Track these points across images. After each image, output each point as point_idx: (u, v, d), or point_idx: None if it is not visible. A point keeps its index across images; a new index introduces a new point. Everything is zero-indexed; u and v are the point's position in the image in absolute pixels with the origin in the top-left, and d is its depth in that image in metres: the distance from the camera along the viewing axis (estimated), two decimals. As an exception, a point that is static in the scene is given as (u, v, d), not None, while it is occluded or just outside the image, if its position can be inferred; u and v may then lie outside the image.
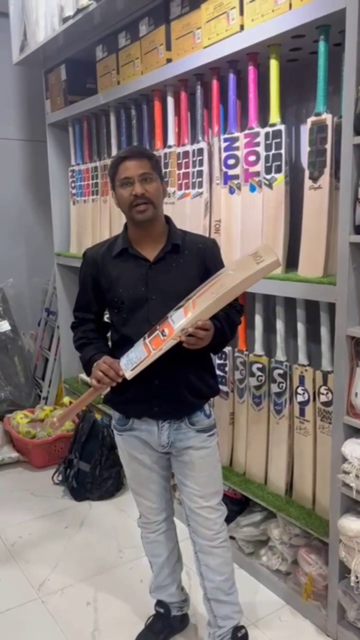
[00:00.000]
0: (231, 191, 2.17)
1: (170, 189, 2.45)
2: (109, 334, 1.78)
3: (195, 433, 1.67)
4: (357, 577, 1.72)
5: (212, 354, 1.73)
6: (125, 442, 1.74)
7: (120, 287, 1.63)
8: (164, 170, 2.48)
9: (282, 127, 1.95)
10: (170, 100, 2.43)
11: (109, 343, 1.75)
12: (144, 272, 1.62)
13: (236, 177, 2.14)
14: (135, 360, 1.54)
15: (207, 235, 2.28)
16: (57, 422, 1.76)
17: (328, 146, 1.79)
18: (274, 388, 2.12)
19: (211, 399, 1.75)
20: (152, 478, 1.75)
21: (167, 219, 1.70)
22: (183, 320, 1.49)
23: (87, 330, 1.74)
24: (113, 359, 1.60)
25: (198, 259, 1.65)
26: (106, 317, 1.78)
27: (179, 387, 1.63)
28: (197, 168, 2.28)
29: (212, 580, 1.73)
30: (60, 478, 2.96)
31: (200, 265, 1.64)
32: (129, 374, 1.55)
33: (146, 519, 1.82)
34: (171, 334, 1.50)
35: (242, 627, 1.79)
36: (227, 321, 1.63)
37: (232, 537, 2.28)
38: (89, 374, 1.67)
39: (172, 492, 1.86)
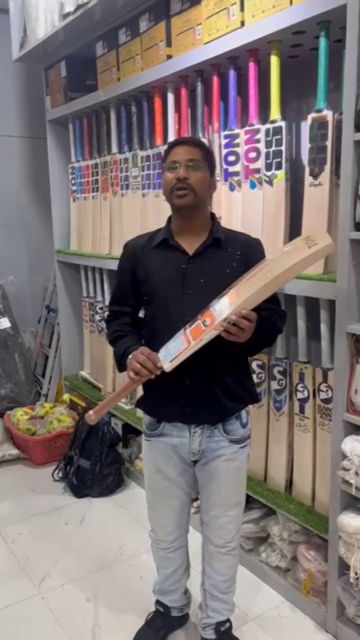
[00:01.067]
0: (231, 188, 2.16)
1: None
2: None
3: (227, 443, 1.60)
4: (356, 574, 1.73)
5: (248, 356, 1.66)
6: (152, 449, 1.67)
7: (156, 278, 1.58)
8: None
9: (282, 124, 1.94)
10: (170, 97, 2.42)
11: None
12: (182, 265, 1.56)
13: (236, 173, 2.13)
14: (174, 351, 1.47)
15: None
16: (94, 415, 1.66)
17: (328, 143, 1.79)
18: (274, 385, 2.12)
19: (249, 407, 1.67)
20: (173, 492, 1.68)
21: (212, 216, 1.65)
22: (227, 308, 1.40)
23: (122, 323, 1.69)
24: (150, 350, 1.53)
25: (240, 256, 1.57)
26: (141, 314, 1.73)
27: (212, 388, 1.56)
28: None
29: (212, 578, 1.75)
30: (60, 475, 2.97)
31: (241, 262, 1.56)
32: (167, 366, 1.48)
33: (157, 535, 1.77)
34: (213, 324, 1.41)
35: (227, 621, 1.82)
36: (269, 323, 1.53)
37: (232, 534, 2.29)
38: (122, 368, 1.61)
39: (190, 509, 1.79)
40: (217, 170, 2.22)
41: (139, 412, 2.89)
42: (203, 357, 1.47)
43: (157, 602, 1.91)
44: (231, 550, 1.72)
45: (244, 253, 1.58)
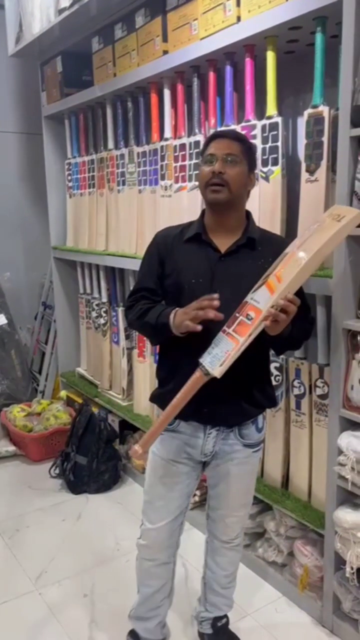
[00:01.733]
0: (228, 184, 2.16)
1: (167, 182, 2.45)
2: None
3: (241, 447, 1.57)
4: (352, 569, 1.74)
5: (277, 354, 1.62)
6: (163, 443, 1.59)
7: (185, 274, 1.51)
8: (160, 163, 2.47)
9: (279, 120, 1.94)
10: (166, 93, 2.42)
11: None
12: (212, 263, 1.50)
13: (233, 170, 2.13)
14: (221, 355, 1.37)
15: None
16: (143, 447, 1.44)
17: (325, 139, 1.79)
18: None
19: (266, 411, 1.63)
20: (174, 493, 1.60)
21: (247, 214, 1.59)
22: (270, 297, 1.33)
23: (145, 302, 1.57)
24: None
25: (273, 258, 1.47)
26: None
27: (233, 390, 1.50)
28: (194, 161, 2.27)
29: (213, 571, 1.75)
30: (57, 471, 2.97)
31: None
32: (218, 371, 1.37)
33: (146, 541, 1.66)
34: (259, 315, 1.34)
35: (224, 616, 1.82)
36: (302, 322, 1.48)
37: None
38: (161, 334, 1.48)
39: (184, 525, 1.70)
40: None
41: (138, 408, 2.90)
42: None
43: (130, 632, 1.78)
44: (235, 546, 1.72)
45: (276, 255, 1.49)
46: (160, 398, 1.59)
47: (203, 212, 1.58)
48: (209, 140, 1.52)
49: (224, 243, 1.52)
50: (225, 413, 1.53)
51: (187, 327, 1.39)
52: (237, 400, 1.52)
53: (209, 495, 1.70)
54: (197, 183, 2.25)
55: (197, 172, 2.25)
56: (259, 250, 1.52)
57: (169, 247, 1.57)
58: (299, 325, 1.46)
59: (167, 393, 1.51)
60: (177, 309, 1.46)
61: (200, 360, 1.40)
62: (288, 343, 1.54)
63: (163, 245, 1.59)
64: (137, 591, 1.74)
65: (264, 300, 1.35)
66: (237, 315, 1.39)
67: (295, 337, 1.51)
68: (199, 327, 1.38)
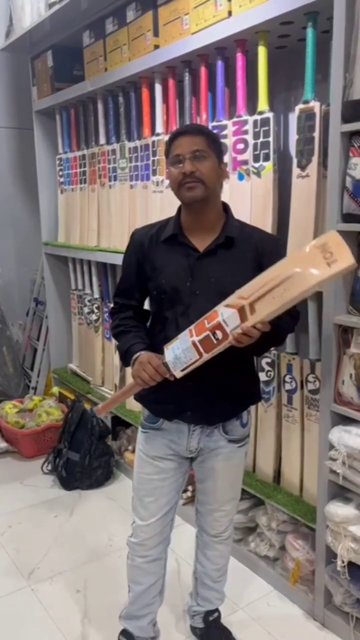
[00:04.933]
0: (219, 179, 2.16)
1: (158, 178, 2.44)
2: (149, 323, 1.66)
3: (226, 442, 1.57)
4: (343, 562, 1.75)
5: (255, 356, 1.62)
6: (148, 441, 1.61)
7: (163, 276, 1.50)
8: (152, 159, 2.47)
9: (270, 115, 1.94)
10: (158, 88, 2.41)
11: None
12: (190, 263, 1.48)
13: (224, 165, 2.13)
14: (185, 360, 1.40)
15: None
16: (102, 409, 1.65)
17: (316, 134, 1.79)
18: (262, 377, 2.13)
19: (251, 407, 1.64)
20: (163, 489, 1.60)
21: (226, 208, 1.55)
22: (238, 324, 1.32)
23: (126, 317, 1.61)
24: (157, 358, 1.44)
25: (253, 255, 1.48)
26: (147, 305, 1.68)
27: (215, 392, 1.50)
28: (186, 156, 2.26)
29: (204, 565, 1.76)
30: (49, 467, 2.96)
31: (255, 262, 1.47)
32: (179, 374, 1.42)
33: (138, 538, 1.65)
34: (225, 340, 1.35)
35: (216, 610, 1.82)
36: (280, 324, 1.42)
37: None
38: (126, 364, 1.55)
39: (174, 518, 1.69)
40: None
41: (130, 405, 2.89)
42: (208, 360, 1.40)
43: (122, 632, 1.77)
44: (224, 539, 1.72)
45: (257, 252, 1.49)
46: (143, 398, 1.60)
47: (179, 210, 1.55)
48: (171, 140, 1.48)
49: (202, 242, 1.49)
50: (208, 413, 1.53)
51: (135, 381, 1.47)
52: (219, 400, 1.52)
53: (197, 490, 1.71)
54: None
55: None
56: (239, 249, 1.49)
57: (145, 248, 1.55)
58: (275, 327, 1.38)
59: (150, 394, 1.54)
60: (140, 354, 1.48)
61: (165, 352, 1.44)
62: (261, 350, 1.51)
63: (140, 246, 1.57)
64: (128, 591, 1.73)
65: (233, 325, 1.34)
66: (205, 324, 1.38)
67: (270, 344, 1.51)
68: (144, 386, 1.46)
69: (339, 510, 1.75)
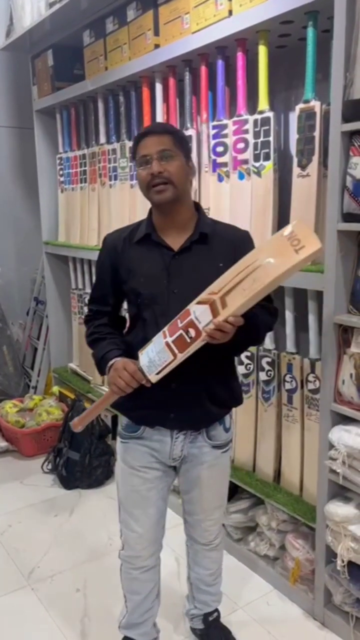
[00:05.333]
0: (220, 179, 2.16)
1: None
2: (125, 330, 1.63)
3: (210, 449, 1.55)
4: (343, 562, 1.75)
5: (234, 356, 1.60)
6: (128, 452, 1.56)
7: (140, 277, 1.48)
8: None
9: (270, 114, 1.94)
10: (158, 87, 2.41)
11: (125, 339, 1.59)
12: (166, 262, 1.46)
13: (225, 164, 2.13)
14: (159, 363, 1.38)
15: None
16: (79, 422, 1.60)
17: (316, 134, 1.79)
18: (262, 376, 2.13)
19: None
20: (151, 499, 1.57)
21: (197, 206, 1.54)
22: (210, 320, 1.31)
23: (101, 324, 1.58)
24: (133, 363, 1.43)
25: (228, 251, 1.46)
26: (124, 310, 1.65)
27: (199, 393, 1.48)
28: (186, 155, 2.27)
29: (197, 572, 1.74)
30: (49, 467, 2.97)
31: (230, 258, 1.43)
32: (154, 378, 1.40)
33: (132, 551, 1.61)
34: (199, 337, 1.33)
35: (215, 611, 1.81)
36: (257, 321, 1.42)
37: (220, 524, 2.31)
38: (102, 372, 1.53)
39: (165, 524, 1.67)
40: (205, 161, 2.22)
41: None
42: (190, 360, 1.38)
43: (124, 638, 1.73)
44: (215, 546, 1.70)
45: (232, 248, 1.48)
46: (122, 405, 1.55)
47: (150, 211, 1.54)
48: (138, 140, 1.46)
49: (176, 241, 1.48)
50: (192, 417, 1.50)
51: (111, 389, 1.45)
52: (203, 403, 1.49)
53: (183, 501, 1.67)
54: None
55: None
56: (214, 245, 1.49)
57: (119, 251, 1.53)
58: (253, 323, 1.39)
59: (129, 400, 1.48)
60: (115, 360, 1.45)
61: (140, 357, 1.42)
62: (239, 348, 1.50)
63: (113, 250, 1.54)
64: (124, 601, 1.69)
65: (205, 321, 1.32)
66: (178, 324, 1.36)
67: (248, 342, 1.48)
68: (120, 394, 1.43)
69: (338, 509, 1.76)
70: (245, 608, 1.99)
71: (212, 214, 2.22)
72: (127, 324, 1.61)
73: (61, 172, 3.31)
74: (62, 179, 3.31)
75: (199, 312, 1.33)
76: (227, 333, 1.32)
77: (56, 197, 3.42)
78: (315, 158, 1.80)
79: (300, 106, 1.83)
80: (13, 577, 2.18)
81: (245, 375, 2.19)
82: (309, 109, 1.80)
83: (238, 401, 1.61)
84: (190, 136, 2.23)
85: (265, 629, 1.90)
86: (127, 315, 1.62)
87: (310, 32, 1.77)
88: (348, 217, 1.65)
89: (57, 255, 3.45)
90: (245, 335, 1.38)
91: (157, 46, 2.29)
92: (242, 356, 2.19)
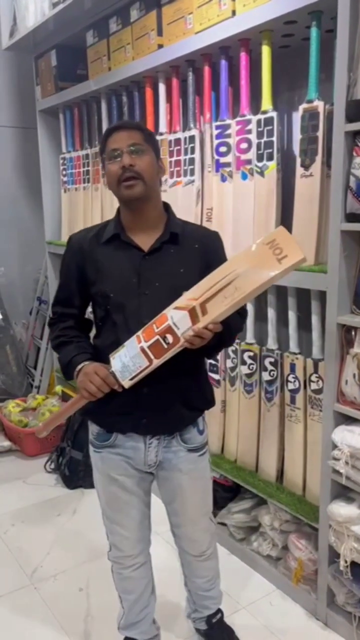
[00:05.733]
0: (223, 179, 2.16)
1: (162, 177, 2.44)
2: (92, 333, 1.60)
3: (185, 452, 1.51)
4: (346, 562, 1.75)
5: (207, 358, 1.58)
6: (104, 461, 1.53)
7: (109, 278, 1.44)
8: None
9: (274, 114, 1.94)
10: (161, 87, 2.41)
11: (92, 342, 1.56)
12: (136, 263, 1.43)
13: (228, 164, 2.13)
14: (133, 368, 1.35)
15: (198, 223, 2.27)
16: (43, 428, 1.58)
17: (320, 134, 1.79)
18: (265, 376, 2.13)
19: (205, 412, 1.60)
20: (132, 503, 1.55)
21: (166, 207, 1.53)
22: (190, 326, 1.30)
23: (66, 327, 1.54)
24: (104, 367, 1.40)
25: (199, 252, 1.46)
26: (89, 313, 1.60)
27: (172, 397, 1.46)
28: (189, 155, 2.27)
29: (193, 581, 1.72)
30: (52, 466, 2.97)
31: (201, 259, 1.45)
32: (127, 383, 1.37)
33: (120, 552, 1.61)
34: (177, 344, 1.31)
35: (218, 611, 1.79)
36: (228, 325, 1.38)
37: (223, 524, 2.31)
38: (69, 377, 1.49)
39: (151, 520, 1.65)
40: (209, 161, 2.22)
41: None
42: (162, 364, 1.36)
43: (125, 639, 1.72)
44: (208, 557, 1.66)
45: (202, 249, 1.47)
46: (91, 412, 1.52)
47: (118, 211, 1.50)
48: (107, 135, 1.44)
49: (145, 241, 1.45)
50: (165, 421, 1.48)
51: (81, 394, 1.42)
52: (176, 407, 1.47)
53: (167, 513, 1.64)
54: (192, 178, 2.26)
55: (191, 166, 2.26)
56: (184, 245, 1.46)
57: (86, 252, 1.48)
58: (225, 328, 1.36)
59: (99, 407, 1.46)
60: (84, 364, 1.43)
61: (112, 361, 1.39)
62: (211, 352, 1.48)
63: (79, 251, 1.50)
64: (120, 602, 1.69)
65: (184, 327, 1.31)
66: (154, 329, 1.34)
67: (221, 346, 1.46)
68: (91, 399, 1.41)
69: (341, 510, 1.75)
70: (248, 608, 1.99)
71: (215, 214, 2.22)
72: (94, 327, 1.56)
73: (64, 172, 3.31)
74: (65, 179, 3.32)
75: (177, 318, 1.31)
76: (205, 339, 1.31)
77: (59, 197, 3.43)
78: (319, 158, 1.80)
79: (303, 106, 1.82)
80: (16, 576, 2.19)
81: (248, 375, 2.19)
82: (312, 109, 1.80)
83: (210, 403, 1.58)
84: (193, 136, 2.24)
85: (268, 629, 1.90)
86: (92, 318, 1.57)
87: (313, 32, 1.77)
88: (351, 217, 1.65)
89: (60, 255, 3.44)
90: (219, 340, 1.37)
91: (160, 46, 2.30)
92: (245, 356, 2.19)
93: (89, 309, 1.58)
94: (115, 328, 1.45)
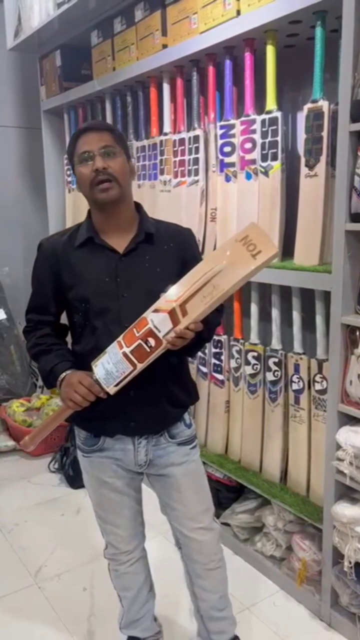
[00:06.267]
0: (227, 179, 2.16)
1: (166, 177, 2.44)
2: (68, 337, 1.56)
3: (176, 447, 1.50)
4: (350, 563, 1.74)
5: (188, 357, 1.56)
6: (93, 465, 1.53)
7: (86, 283, 1.41)
8: (159, 158, 2.47)
9: (278, 114, 1.94)
10: (166, 87, 2.41)
11: (71, 348, 1.54)
12: (113, 265, 1.41)
13: (232, 164, 2.13)
14: (117, 375, 1.35)
15: (202, 224, 2.27)
16: (29, 441, 1.54)
17: (324, 133, 1.78)
18: (269, 376, 2.12)
19: (191, 406, 1.59)
20: (124, 503, 1.55)
21: (138, 206, 1.50)
22: (171, 328, 1.30)
23: (43, 335, 1.50)
24: (88, 376, 1.38)
25: (175, 250, 1.45)
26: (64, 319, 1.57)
27: (158, 397, 1.45)
28: (193, 155, 2.27)
29: (206, 600, 1.63)
30: (56, 466, 2.98)
31: (177, 257, 1.45)
32: (112, 390, 1.36)
33: (115, 550, 1.61)
34: (159, 346, 1.32)
35: (235, 637, 1.69)
36: (207, 323, 1.38)
37: (227, 524, 2.31)
38: (50, 385, 1.47)
39: (143, 516, 1.65)
40: (213, 161, 2.22)
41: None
42: (147, 366, 1.36)
43: (128, 638, 1.72)
44: (217, 563, 1.61)
45: (177, 246, 1.47)
46: (78, 418, 1.49)
47: (89, 213, 1.49)
48: (76, 137, 1.41)
49: (120, 243, 1.44)
50: (153, 422, 1.47)
51: (67, 404, 1.40)
52: (163, 406, 1.47)
53: (168, 518, 1.61)
54: (196, 178, 2.26)
55: (195, 166, 2.26)
56: (159, 244, 1.45)
57: (60, 257, 1.45)
58: (210, 316, 1.37)
59: (86, 413, 1.43)
60: (67, 373, 1.41)
61: (94, 369, 1.37)
62: (193, 350, 1.47)
63: (53, 256, 1.46)
64: (119, 601, 1.70)
65: (165, 329, 1.31)
66: (135, 334, 1.33)
67: (202, 343, 1.46)
68: (76, 408, 1.39)
69: (345, 510, 1.75)
70: (252, 609, 1.99)
71: (219, 214, 2.22)
72: (71, 333, 1.54)
73: (68, 172, 3.32)
74: (69, 179, 3.32)
75: (157, 321, 1.31)
76: (187, 339, 1.31)
77: (63, 197, 3.43)
78: (323, 158, 1.79)
79: (308, 106, 1.82)
80: (20, 576, 2.19)
81: (252, 376, 2.19)
82: (316, 108, 1.79)
83: (194, 399, 1.58)
84: (197, 136, 2.24)
85: (272, 630, 1.89)
86: (67, 323, 1.55)
87: (318, 32, 1.77)
88: (356, 217, 1.65)
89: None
90: (200, 338, 1.37)
91: (164, 46, 2.30)
92: (249, 356, 2.19)
93: (64, 314, 1.56)
94: (95, 333, 1.43)
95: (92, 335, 1.44)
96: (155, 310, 1.32)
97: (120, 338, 1.36)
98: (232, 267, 1.28)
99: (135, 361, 1.34)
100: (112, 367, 1.35)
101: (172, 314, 1.30)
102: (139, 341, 1.33)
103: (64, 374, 1.42)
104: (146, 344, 1.32)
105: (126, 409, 1.44)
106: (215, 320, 1.48)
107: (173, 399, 1.49)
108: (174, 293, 1.31)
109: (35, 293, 1.53)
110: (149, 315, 1.33)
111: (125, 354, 1.34)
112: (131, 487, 1.56)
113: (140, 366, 1.35)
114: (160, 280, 1.36)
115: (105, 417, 1.45)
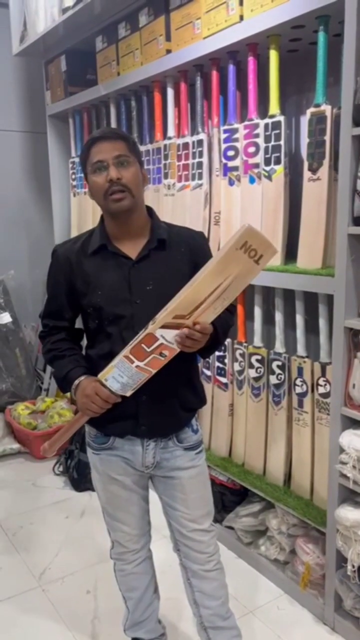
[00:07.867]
0: (231, 183, 2.17)
1: (170, 181, 2.45)
2: (83, 342, 1.59)
3: (182, 451, 1.52)
4: (353, 567, 1.74)
5: (202, 358, 1.57)
6: (102, 462, 1.54)
7: (99, 290, 1.43)
8: (163, 162, 2.48)
9: (281, 119, 1.94)
10: (170, 92, 2.42)
11: (85, 352, 1.56)
12: (126, 272, 1.42)
13: (236, 168, 2.14)
14: (132, 383, 1.37)
15: (206, 227, 2.28)
16: (49, 447, 1.55)
17: (327, 137, 1.79)
18: (273, 379, 2.13)
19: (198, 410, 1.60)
20: (132, 500, 1.57)
21: (150, 211, 1.51)
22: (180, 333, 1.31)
23: (58, 340, 1.53)
24: (102, 384, 1.39)
25: (187, 255, 1.46)
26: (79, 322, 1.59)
27: (170, 401, 1.47)
28: (197, 159, 2.28)
29: (208, 606, 1.60)
30: (61, 469, 2.99)
31: (190, 262, 1.46)
32: (128, 394, 1.40)
33: (123, 548, 1.62)
34: (173, 353, 1.33)
35: None
36: (221, 325, 1.42)
37: (231, 528, 2.31)
38: (64, 391, 1.50)
39: (150, 519, 1.66)
40: (217, 165, 2.23)
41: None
42: (159, 370, 1.36)
43: None
44: (216, 564, 1.60)
45: (189, 251, 1.47)
46: (93, 420, 1.49)
47: (102, 220, 1.49)
48: (90, 145, 1.40)
49: (132, 249, 1.44)
50: (164, 425, 1.49)
51: (85, 412, 1.42)
52: (175, 410, 1.49)
53: (169, 519, 1.61)
54: (200, 182, 2.27)
55: (199, 170, 2.27)
56: (171, 250, 1.46)
57: (73, 265, 1.46)
58: (219, 327, 1.39)
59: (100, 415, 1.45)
60: (81, 379, 1.42)
61: (106, 383, 1.38)
62: (207, 351, 1.46)
63: (66, 263, 1.48)
64: (124, 603, 1.70)
65: (175, 343, 1.32)
66: (146, 349, 1.32)
67: (216, 345, 1.45)
68: (93, 416, 1.41)
69: (349, 514, 1.75)
70: (256, 612, 1.99)
71: (223, 218, 2.23)
72: (86, 337, 1.56)
73: (73, 176, 3.34)
74: (74, 183, 3.34)
75: (170, 337, 1.31)
76: (199, 341, 1.31)
77: (68, 201, 3.45)
78: (326, 162, 1.80)
79: (311, 110, 1.83)
80: (24, 578, 2.20)
81: (256, 379, 2.19)
82: (319, 112, 1.80)
83: (203, 402, 1.59)
84: (201, 140, 2.25)
85: (275, 633, 1.89)
86: (82, 327, 1.57)
87: (321, 37, 1.77)
88: (359, 221, 1.65)
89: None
90: (214, 340, 1.39)
91: (168, 51, 2.31)
92: (253, 359, 2.19)
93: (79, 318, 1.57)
94: (109, 339, 1.45)
95: (108, 340, 1.45)
96: (164, 327, 1.30)
97: (126, 352, 1.34)
98: (239, 277, 1.28)
99: (151, 369, 1.36)
100: (127, 379, 1.36)
101: (183, 325, 1.30)
102: (153, 355, 1.33)
103: (77, 380, 1.44)
104: (160, 355, 1.33)
105: (138, 412, 1.46)
106: (228, 321, 1.49)
107: (184, 402, 1.51)
108: (181, 308, 1.28)
109: (50, 299, 1.55)
110: (156, 332, 1.30)
111: (139, 367, 1.35)
112: (139, 484, 1.57)
113: (154, 371, 1.36)
114: (172, 285, 1.35)
115: (117, 418, 1.46)
